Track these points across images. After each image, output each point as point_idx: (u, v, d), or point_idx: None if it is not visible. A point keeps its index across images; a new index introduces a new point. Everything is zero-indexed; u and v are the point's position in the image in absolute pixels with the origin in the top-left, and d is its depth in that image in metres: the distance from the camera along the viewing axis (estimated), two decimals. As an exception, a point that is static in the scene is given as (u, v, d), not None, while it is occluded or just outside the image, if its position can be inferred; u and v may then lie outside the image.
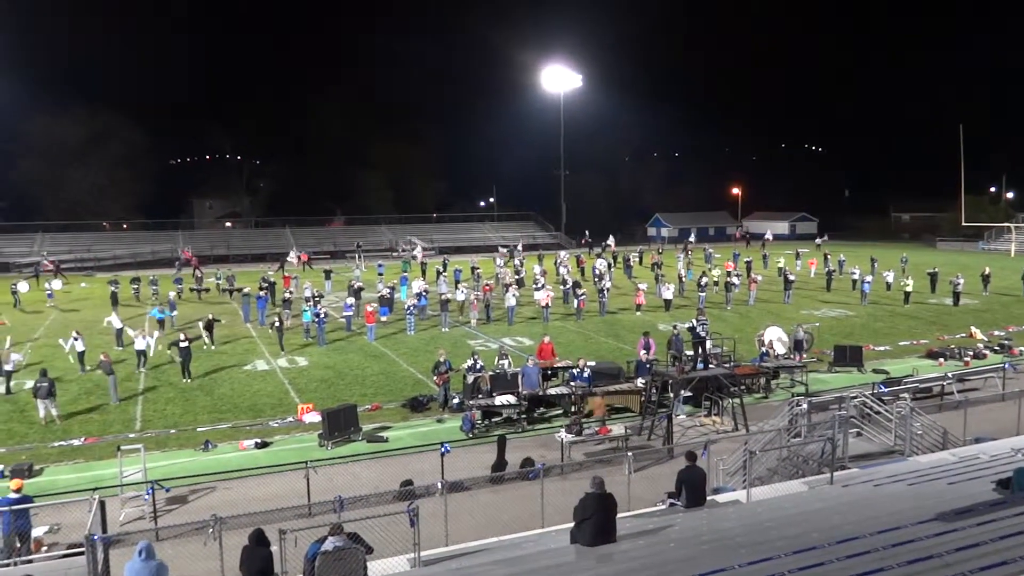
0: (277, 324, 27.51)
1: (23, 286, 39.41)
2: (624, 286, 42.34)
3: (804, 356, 24.03)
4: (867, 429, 16.27)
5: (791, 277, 39.23)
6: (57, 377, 21.73)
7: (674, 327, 24.41)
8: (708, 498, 11.80)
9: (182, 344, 23.50)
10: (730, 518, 10.44)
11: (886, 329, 31.25)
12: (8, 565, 10.74)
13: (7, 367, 22.12)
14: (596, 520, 9.32)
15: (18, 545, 11.71)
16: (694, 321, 20.22)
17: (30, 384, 20.94)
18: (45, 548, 12.40)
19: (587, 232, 63.99)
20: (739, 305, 36.57)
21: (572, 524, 9.74)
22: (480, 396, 19.39)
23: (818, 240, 69.99)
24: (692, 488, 11.31)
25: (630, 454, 13.30)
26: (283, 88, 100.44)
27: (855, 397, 16.85)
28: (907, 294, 37.12)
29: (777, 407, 18.73)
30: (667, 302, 35.71)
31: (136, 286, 40.54)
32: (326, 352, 27.38)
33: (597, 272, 42.89)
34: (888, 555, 7.92)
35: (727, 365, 19.66)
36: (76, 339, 24.72)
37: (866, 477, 12.83)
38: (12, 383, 22.20)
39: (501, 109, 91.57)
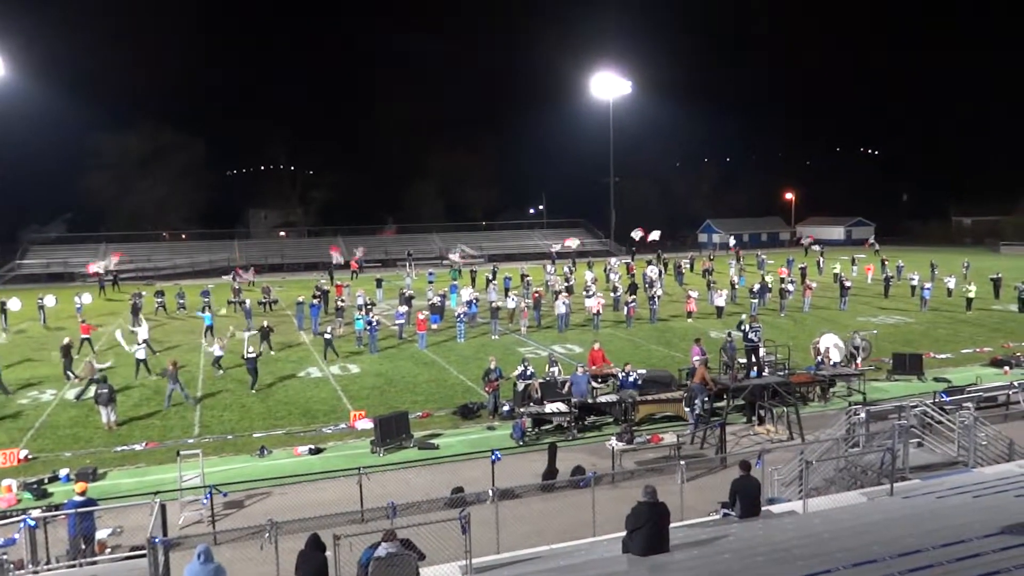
0: (327, 335, 27.89)
1: (86, 297, 40.74)
2: (675, 293, 41.92)
3: (861, 364, 23.44)
4: (929, 439, 15.77)
5: (847, 283, 38.35)
6: (123, 387, 22.44)
7: (728, 333, 24.07)
8: (763, 508, 11.57)
9: (249, 355, 23.93)
10: (786, 529, 10.23)
11: (947, 336, 30.30)
12: (74, 566, 11.10)
13: (94, 376, 22.88)
14: (648, 529, 9.23)
15: (83, 547, 12.10)
16: (747, 326, 19.95)
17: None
18: (108, 550, 12.76)
19: (638, 237, 62.99)
20: (793, 312, 35.88)
21: (624, 533, 9.67)
22: (531, 404, 19.38)
23: (871, 241, 67.99)
24: (746, 498, 11.11)
25: (682, 463, 13.13)
26: (336, 100, 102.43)
27: (916, 406, 16.35)
28: (969, 300, 35.95)
29: (833, 416, 18.30)
30: (719, 309, 35.26)
31: (161, 299, 39.73)
32: (378, 359, 27.70)
33: (648, 279, 42.57)
34: (952, 569, 7.68)
35: (781, 373, 19.30)
36: (140, 346, 25.47)
37: (928, 489, 12.44)
38: (83, 390, 22.92)
39: (551, 117, 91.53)
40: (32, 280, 54.70)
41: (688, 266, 53.25)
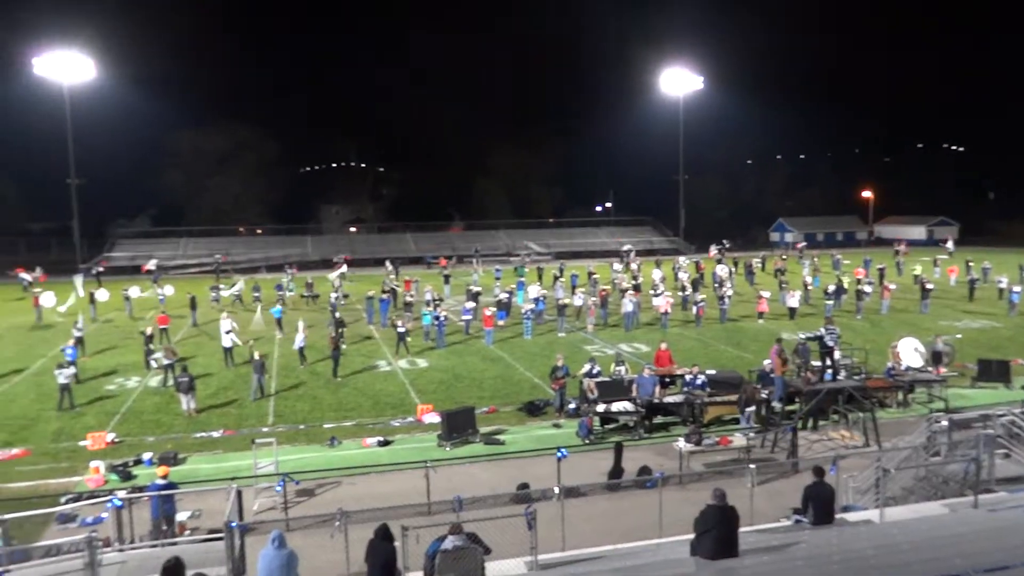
0: (400, 329, 28.37)
1: (168, 288, 42.37)
2: (745, 293, 41.05)
3: (944, 370, 22.52)
4: (1017, 450, 15.04)
5: (928, 286, 36.85)
6: (202, 374, 23.29)
7: (802, 336, 23.41)
8: (837, 516, 11.24)
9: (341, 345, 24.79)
10: (861, 538, 9.91)
11: (1038, 342, 28.84)
12: (155, 546, 11.58)
13: (166, 361, 23.87)
14: (717, 533, 9.07)
15: (164, 527, 12.63)
16: (822, 330, 19.40)
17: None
18: (188, 532, 13.28)
19: (725, 243, 61.45)
20: (871, 314, 34.71)
21: (691, 536, 9.53)
22: (593, 402, 19.23)
23: (948, 243, 64.79)
24: (820, 504, 10.81)
25: (752, 466, 12.87)
26: (406, 98, 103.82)
27: (1003, 415, 15.61)
28: (1062, 305, 34.13)
29: (913, 423, 17.67)
30: (792, 310, 34.38)
31: (216, 293, 40.98)
32: (445, 355, 27.99)
33: (717, 278, 41.81)
34: (1043, 587, 7.32)
35: (858, 377, 18.71)
36: (229, 332, 26.36)
37: (1016, 502, 11.87)
38: (164, 377, 23.87)
39: (619, 113, 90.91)
40: (119, 272, 57.10)
41: (759, 265, 52.03)
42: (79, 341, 27.03)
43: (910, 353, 22.49)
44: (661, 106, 78.46)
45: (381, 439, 18.62)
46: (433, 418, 19.75)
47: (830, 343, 18.92)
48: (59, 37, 59.43)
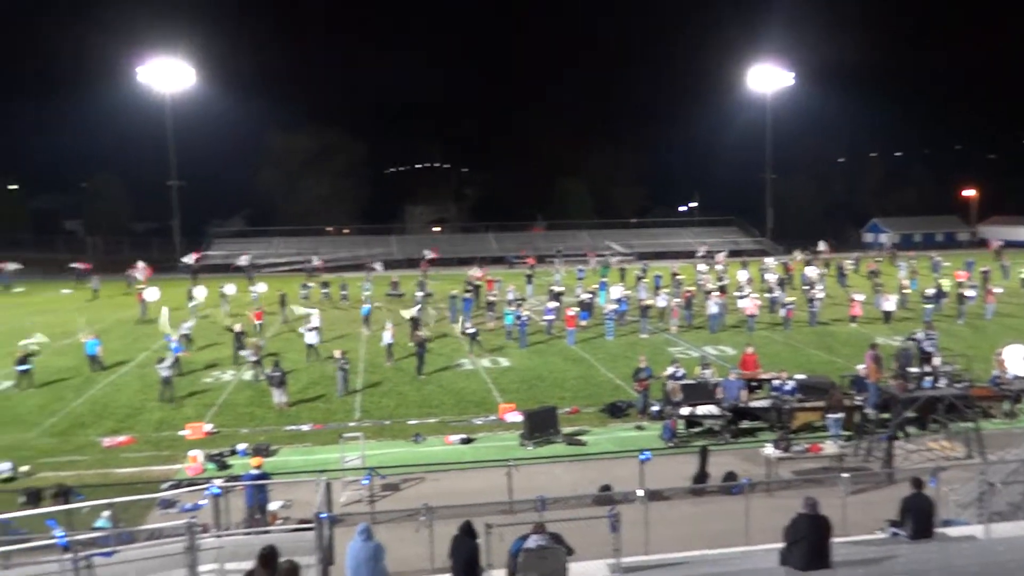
0: (470, 330, 28.73)
1: (261, 285, 43.98)
2: (836, 295, 39.59)
3: (1056, 379, 21.15)
4: None
5: (1037, 290, 34.74)
6: (291, 370, 24.10)
7: (905, 339, 22.44)
8: (936, 530, 10.74)
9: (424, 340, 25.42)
10: (964, 554, 9.44)
11: None
12: (249, 533, 12.05)
13: (252, 357, 24.81)
14: (809, 543, 8.81)
15: (257, 516, 13.13)
16: (920, 334, 18.58)
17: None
18: (279, 521, 13.75)
19: (822, 243, 59.40)
20: (973, 319, 32.97)
21: (779, 544, 9.28)
22: (677, 404, 18.90)
23: (996, 245, 59.26)
24: (919, 517, 10.34)
25: (846, 475, 12.41)
26: (490, 99, 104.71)
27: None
28: None
29: (1020, 435, 16.69)
30: (887, 314, 32.96)
31: (306, 291, 41.80)
32: (527, 354, 28.08)
33: (807, 280, 40.49)
34: None
35: (959, 385, 17.80)
36: (310, 331, 27.20)
37: None
38: (256, 372, 24.77)
39: (704, 111, 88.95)
40: (216, 270, 59.57)
41: (852, 267, 50.08)
42: (186, 338, 28.49)
43: (1017, 361, 21.21)
44: (747, 103, 76.58)
45: (464, 437, 18.84)
46: (515, 417, 19.86)
47: (929, 348, 18.10)
48: (161, 46, 62.60)
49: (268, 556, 8.35)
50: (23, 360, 23.93)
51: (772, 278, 42.53)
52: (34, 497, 14.81)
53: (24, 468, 16.94)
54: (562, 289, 38.12)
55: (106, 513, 13.36)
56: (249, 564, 8.62)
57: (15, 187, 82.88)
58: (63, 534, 10.52)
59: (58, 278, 52.96)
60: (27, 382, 23.88)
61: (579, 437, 18.65)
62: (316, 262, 58.13)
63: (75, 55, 77.77)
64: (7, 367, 25.09)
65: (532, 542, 9.27)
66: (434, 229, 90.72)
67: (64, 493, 14.61)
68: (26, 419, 21.06)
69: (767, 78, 71.81)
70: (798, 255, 52.92)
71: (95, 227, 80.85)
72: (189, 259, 54.85)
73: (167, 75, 62.68)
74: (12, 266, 52.53)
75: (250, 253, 61.93)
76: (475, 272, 45.20)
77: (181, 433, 19.43)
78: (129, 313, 38.37)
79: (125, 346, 30.40)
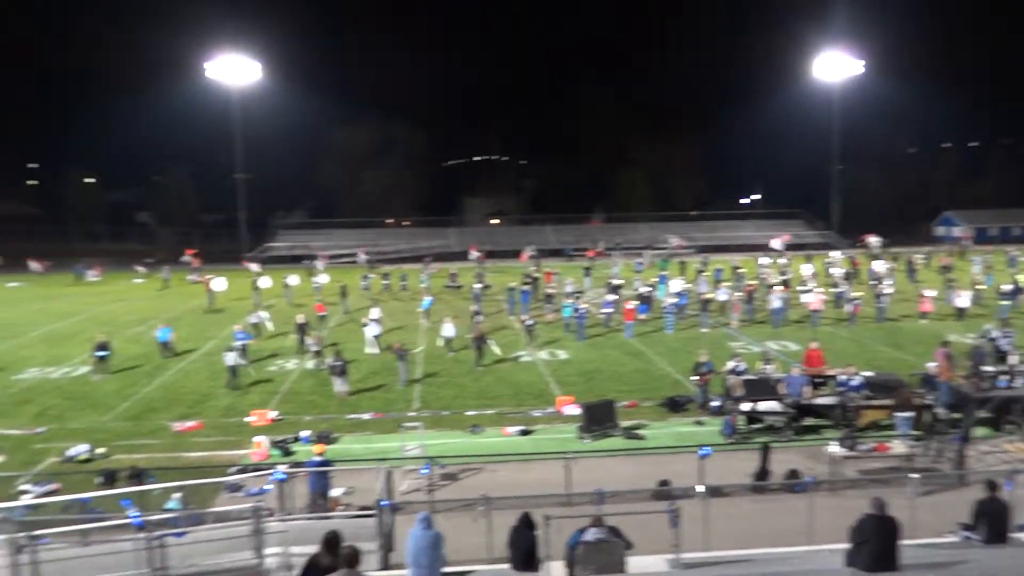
0: (527, 321, 28.79)
1: (324, 277, 44.83)
2: (906, 291, 38.34)
3: None
4: None
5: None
6: (352, 360, 24.56)
7: (979, 336, 21.63)
8: (1012, 535, 10.34)
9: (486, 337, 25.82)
10: (1042, 561, 9.08)
11: None
12: (312, 518, 12.35)
13: (314, 348, 25.37)
14: (876, 544, 8.59)
15: (320, 501, 13.44)
16: (994, 332, 17.89)
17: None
18: (341, 507, 14.04)
19: (873, 238, 57.75)
20: (1053, 316, 31.55)
21: (844, 545, 9.07)
22: (739, 400, 18.59)
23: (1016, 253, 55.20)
24: (994, 521, 9.98)
25: (916, 476, 12.04)
26: (549, 91, 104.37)
27: None
28: None
29: (1104, 438, 15.93)
30: (960, 310, 31.79)
31: (366, 282, 43.18)
32: (585, 347, 28.00)
33: (875, 275, 39.32)
34: None
35: (1038, 385, 17.10)
36: (371, 322, 27.66)
37: None
38: (318, 361, 25.31)
39: (768, 101, 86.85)
40: (280, 261, 61.02)
41: (924, 262, 48.41)
42: (255, 327, 29.31)
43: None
44: (814, 92, 74.51)
45: (522, 428, 18.89)
46: (573, 410, 19.81)
47: (1005, 347, 17.41)
48: (228, 42, 64.26)
49: (332, 541, 8.54)
50: (102, 347, 24.91)
51: (838, 272, 41.45)
52: (110, 478, 15.44)
53: (100, 450, 17.66)
54: (621, 282, 37.87)
55: (177, 495, 13.87)
56: (312, 548, 8.83)
57: (92, 180, 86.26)
58: (138, 514, 10.96)
59: (129, 269, 55.25)
60: (104, 368, 24.87)
61: (637, 431, 18.52)
62: (362, 256, 58.83)
63: (147, 53, 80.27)
64: (86, 353, 26.15)
65: (591, 535, 9.27)
66: (492, 221, 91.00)
67: (138, 475, 15.21)
68: (102, 403, 21.95)
69: (835, 66, 69.77)
70: (838, 254, 51.46)
71: (166, 219, 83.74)
72: (185, 257, 55.89)
73: (234, 70, 64.41)
74: (35, 265, 54.67)
75: (313, 247, 63.26)
76: (525, 254, 45.47)
77: (247, 419, 19.98)
78: (197, 302, 39.63)
79: (193, 334, 31.39)
